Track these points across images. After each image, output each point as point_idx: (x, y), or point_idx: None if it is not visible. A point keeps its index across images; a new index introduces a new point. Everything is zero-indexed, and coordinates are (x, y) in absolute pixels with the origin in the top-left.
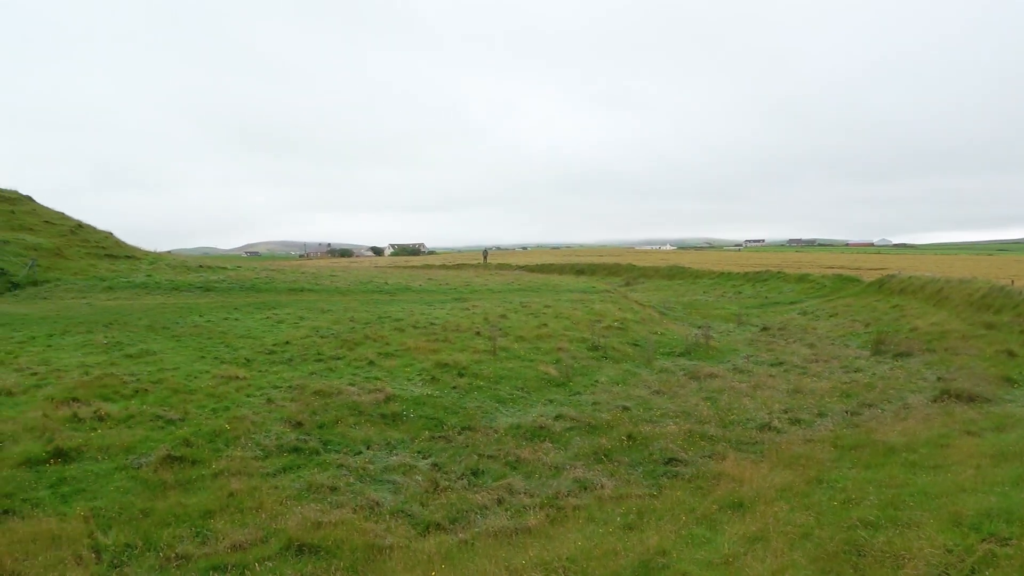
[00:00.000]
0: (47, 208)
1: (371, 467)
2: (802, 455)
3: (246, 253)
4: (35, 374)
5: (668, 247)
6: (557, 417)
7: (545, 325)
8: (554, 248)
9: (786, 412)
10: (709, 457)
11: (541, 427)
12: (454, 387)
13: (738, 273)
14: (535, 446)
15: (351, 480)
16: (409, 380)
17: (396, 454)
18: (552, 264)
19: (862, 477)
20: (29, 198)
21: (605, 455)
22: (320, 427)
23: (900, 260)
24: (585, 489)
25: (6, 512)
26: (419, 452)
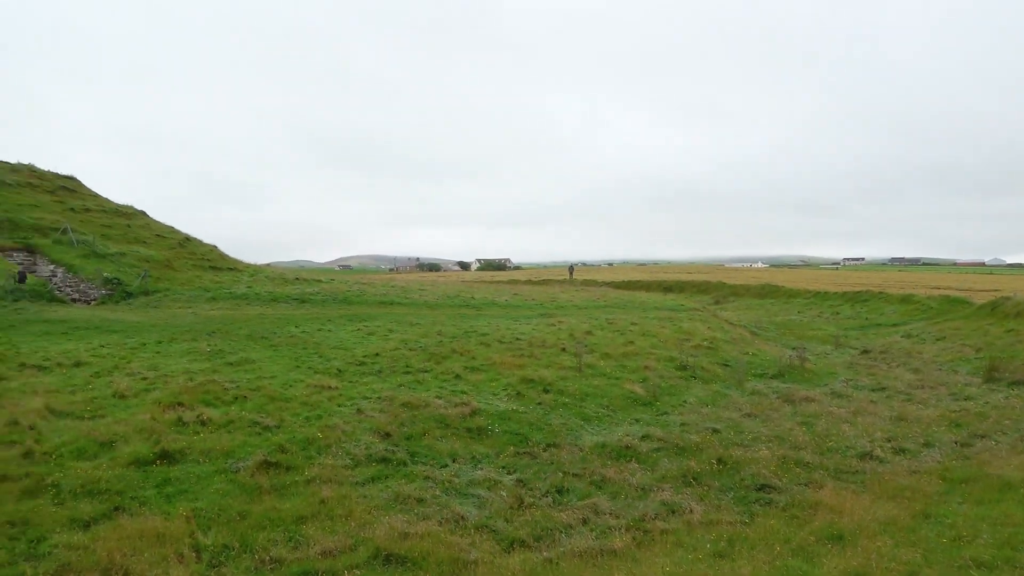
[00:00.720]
0: (158, 222)
1: (457, 480)
2: (907, 487)
3: (339, 267)
4: (145, 379)
5: (760, 265)
6: (644, 437)
7: (631, 343)
8: (641, 264)
9: (889, 441)
10: (805, 485)
11: (627, 447)
12: (539, 403)
13: (835, 293)
14: (621, 466)
15: (437, 492)
16: (494, 395)
17: (481, 468)
18: (639, 281)
19: (974, 513)
20: (143, 213)
21: (694, 478)
22: (408, 439)
23: (1015, 281)
24: (673, 513)
25: (116, 509)
26: (504, 467)
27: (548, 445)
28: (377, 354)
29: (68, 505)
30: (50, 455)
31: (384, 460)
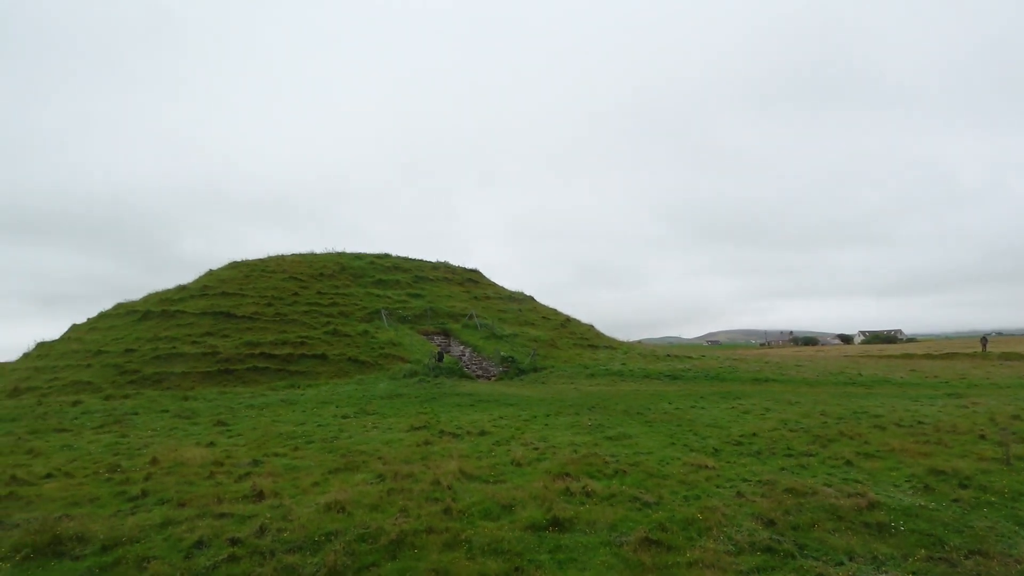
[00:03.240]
0: (544, 305)
1: None
2: None
3: (707, 342)
4: (536, 449)
5: None
6: None
7: None
8: None
9: None
10: None
11: None
12: (955, 500)
13: None
14: None
15: None
16: (896, 486)
17: (885, 571)
18: None
19: None
20: (531, 298)
21: None
22: (794, 528)
23: None
24: None
25: (517, 569)
26: (914, 573)
27: (971, 552)
28: (754, 434)
29: (479, 560)
30: (464, 513)
31: (769, 550)
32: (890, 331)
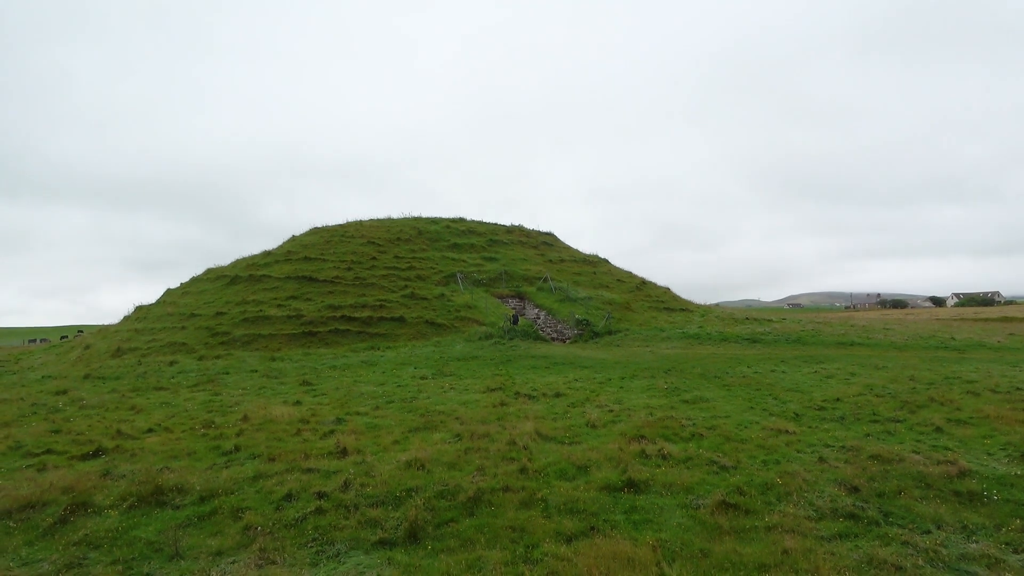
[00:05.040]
0: (619, 268)
1: (944, 551)
2: None
3: (787, 305)
4: (611, 411)
5: None
6: None
7: None
8: None
9: None
10: None
11: None
12: None
13: None
14: None
15: (920, 562)
16: (989, 455)
17: (976, 541)
18: None
19: None
20: (606, 260)
21: None
22: (879, 495)
23: None
24: None
25: (592, 528)
26: (1007, 544)
27: None
28: (837, 399)
29: (554, 519)
30: (539, 473)
31: (852, 516)
32: (987, 293)
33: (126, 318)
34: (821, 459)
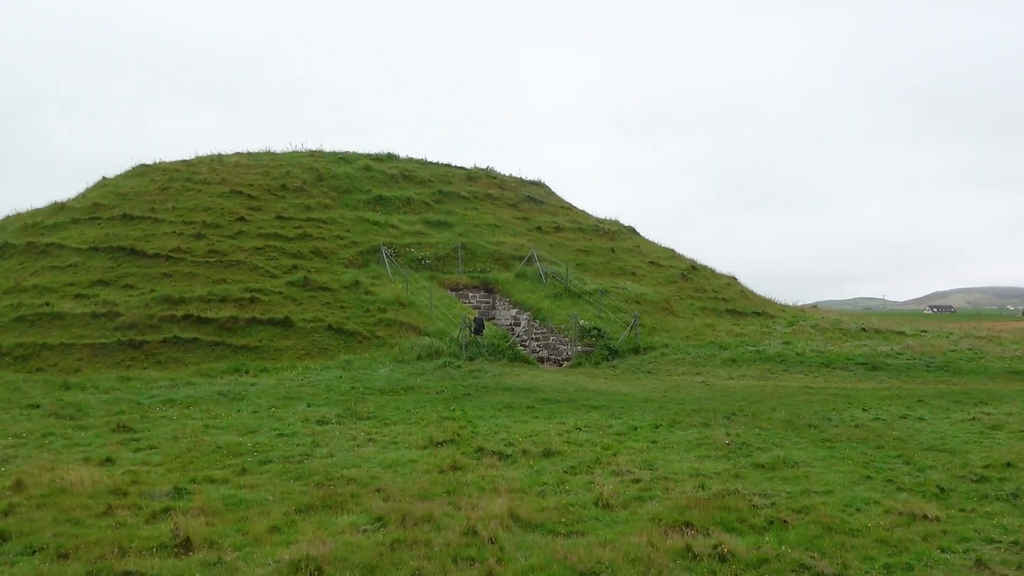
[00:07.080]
0: (652, 243)
1: None
2: None
3: (930, 308)
4: (637, 481)
5: None
6: None
7: None
8: None
9: None
10: None
11: None
12: None
13: None
14: None
15: None
16: None
17: None
18: None
19: None
20: (632, 230)
21: None
22: None
23: None
24: None
25: None
26: None
27: None
28: (1008, 464)
29: None
30: None
31: None
32: None
33: None
34: (979, 563)
